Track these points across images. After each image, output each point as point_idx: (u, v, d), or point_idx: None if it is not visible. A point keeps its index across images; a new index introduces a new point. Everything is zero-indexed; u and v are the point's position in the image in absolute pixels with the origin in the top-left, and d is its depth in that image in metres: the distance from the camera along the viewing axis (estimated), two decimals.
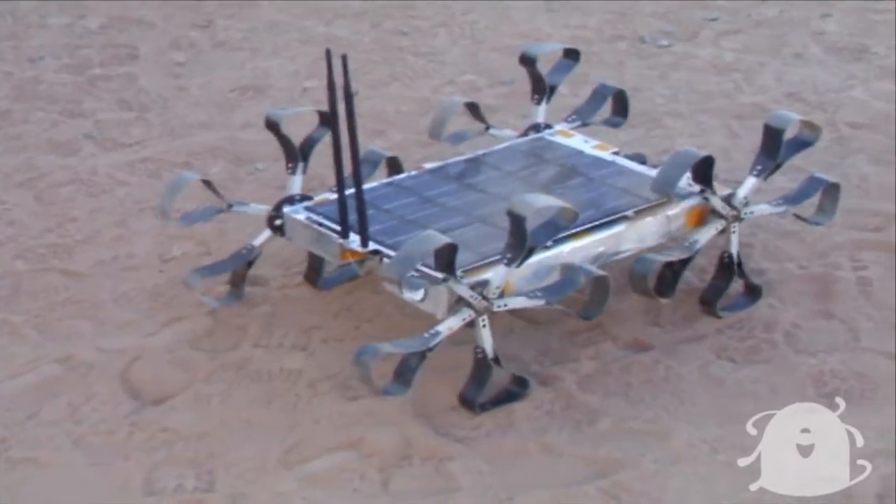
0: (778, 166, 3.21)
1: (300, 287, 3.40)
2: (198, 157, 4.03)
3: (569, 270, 2.94)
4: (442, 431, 2.90)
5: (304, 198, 3.24)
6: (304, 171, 3.31)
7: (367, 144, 3.86)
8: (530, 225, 2.78)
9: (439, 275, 2.80)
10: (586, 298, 2.98)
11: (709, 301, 3.25)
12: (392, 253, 2.94)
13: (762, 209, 3.26)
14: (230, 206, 3.27)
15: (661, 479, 2.74)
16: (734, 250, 3.23)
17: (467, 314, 2.88)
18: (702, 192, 3.13)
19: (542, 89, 3.58)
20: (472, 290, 2.85)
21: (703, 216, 3.20)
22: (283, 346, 3.18)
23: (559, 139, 3.52)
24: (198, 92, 4.46)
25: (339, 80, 3.02)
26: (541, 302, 2.92)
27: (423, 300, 2.87)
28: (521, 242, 2.80)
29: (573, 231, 3.00)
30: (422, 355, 2.88)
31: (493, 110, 4.28)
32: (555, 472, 2.79)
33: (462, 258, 2.84)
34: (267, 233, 3.28)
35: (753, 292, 3.28)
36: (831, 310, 3.26)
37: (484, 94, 4.42)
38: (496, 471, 2.79)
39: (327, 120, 3.11)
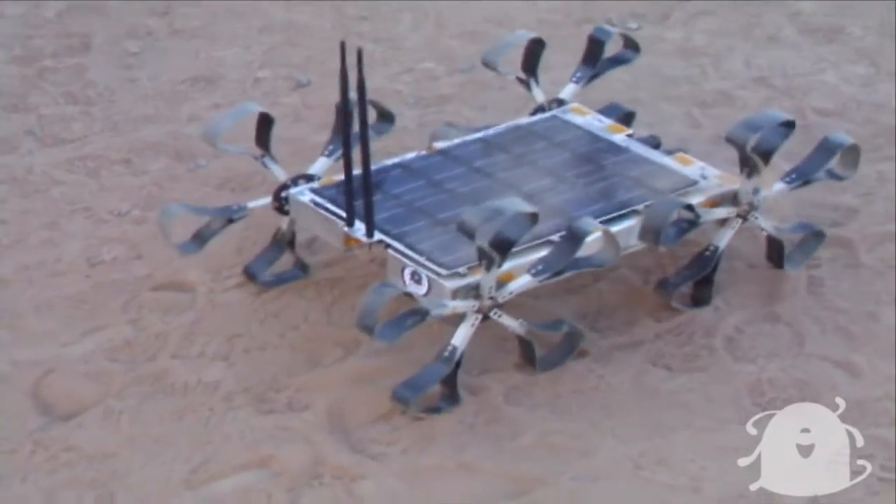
0: (808, 182, 3.19)
1: (228, 292, 3.30)
2: (139, 153, 3.95)
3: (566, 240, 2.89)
4: (357, 448, 2.82)
5: (308, 178, 3.23)
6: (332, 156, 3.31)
7: (315, 137, 3.79)
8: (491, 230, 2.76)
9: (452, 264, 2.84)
10: (552, 349, 3.00)
11: (668, 287, 3.17)
12: (397, 244, 2.94)
13: (764, 222, 3.23)
14: (263, 156, 3.29)
15: (578, 498, 2.66)
16: (722, 244, 3.17)
17: (475, 319, 2.87)
18: (694, 222, 3.07)
19: (589, 71, 3.61)
20: (465, 298, 2.85)
21: (719, 202, 3.16)
22: (204, 357, 3.10)
23: (573, 117, 3.47)
24: (147, 84, 4.38)
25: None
26: (521, 330, 2.94)
27: (426, 294, 2.87)
28: (563, 261, 2.85)
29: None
30: (453, 373, 2.87)
31: (447, 100, 4.19)
32: (470, 490, 2.71)
33: (466, 253, 2.84)
34: (265, 201, 3.25)
35: (812, 242, 3.30)
36: (777, 312, 3.17)
37: (441, 82, 4.32)
38: (410, 490, 2.71)
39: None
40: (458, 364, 2.87)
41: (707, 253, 3.16)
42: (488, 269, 2.80)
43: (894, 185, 3.53)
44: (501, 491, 2.69)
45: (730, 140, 3.09)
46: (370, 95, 3.12)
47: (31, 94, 4.35)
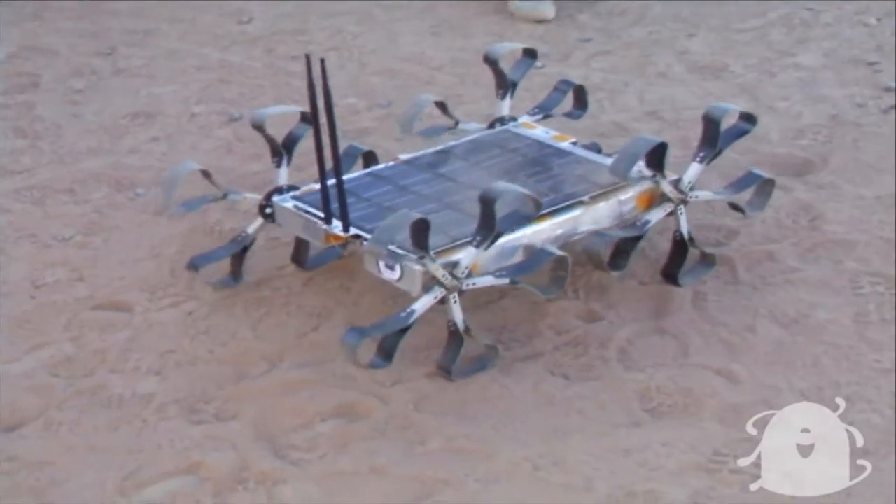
0: (718, 153, 3.26)
1: (162, 311, 3.26)
2: (82, 183, 3.90)
3: (532, 251, 3.02)
4: (280, 454, 2.78)
5: (291, 188, 3.29)
6: (289, 164, 3.35)
7: (245, 167, 3.76)
8: (499, 211, 2.84)
9: (414, 254, 2.85)
10: (548, 277, 3.00)
11: (671, 274, 3.28)
12: (370, 237, 2.97)
13: (705, 195, 3.28)
14: (226, 195, 3.31)
15: (481, 498, 2.63)
16: (684, 229, 3.23)
17: (439, 292, 2.90)
18: (653, 176, 3.16)
19: (505, 85, 3.65)
20: (443, 270, 2.87)
21: (653, 200, 3.23)
22: (139, 371, 3.06)
23: (522, 130, 3.58)
24: (91, 118, 4.33)
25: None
26: (506, 280, 2.96)
27: (399, 279, 2.91)
28: (490, 226, 2.88)
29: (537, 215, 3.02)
30: (401, 332, 2.90)
31: (368, 132, 4.17)
32: (381, 493, 2.68)
33: (434, 241, 2.87)
34: (259, 221, 3.29)
35: (707, 260, 3.31)
36: (665, 326, 3.16)
37: (362, 116, 4.30)
38: (325, 494, 2.68)
39: (306, 118, 3.22)
40: (467, 330, 2.94)
41: (677, 238, 3.28)
42: (479, 245, 2.89)
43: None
44: (410, 493, 2.66)
45: (612, 173, 3.14)
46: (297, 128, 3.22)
47: None
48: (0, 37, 5.09)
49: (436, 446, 2.78)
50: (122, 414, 2.91)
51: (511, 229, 2.99)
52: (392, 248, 2.89)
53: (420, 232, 2.83)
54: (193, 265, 3.31)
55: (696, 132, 3.89)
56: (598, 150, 3.54)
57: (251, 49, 4.91)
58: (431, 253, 2.88)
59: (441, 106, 3.64)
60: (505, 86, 3.67)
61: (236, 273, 3.35)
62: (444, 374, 2.97)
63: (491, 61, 3.65)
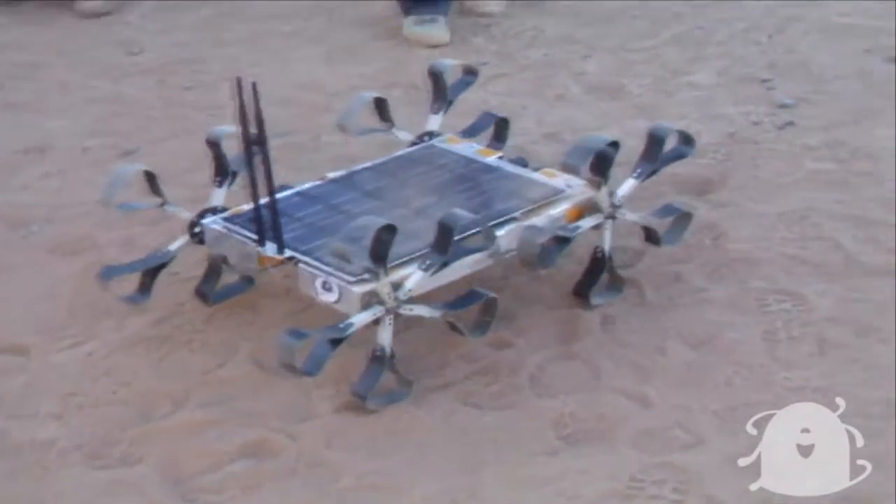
0: (654, 172, 3.26)
1: (61, 353, 3.15)
2: None
3: (467, 292, 2.99)
4: (188, 497, 2.70)
5: (223, 210, 3.21)
6: (230, 187, 3.27)
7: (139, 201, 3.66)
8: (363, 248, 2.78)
9: (351, 275, 2.83)
10: (476, 318, 2.98)
11: (582, 293, 3.23)
12: (306, 259, 2.95)
13: (632, 216, 3.25)
14: (163, 204, 3.23)
15: None
16: (606, 245, 3.20)
17: (379, 311, 2.84)
18: (598, 181, 3.13)
19: (442, 101, 3.62)
20: (370, 304, 2.82)
21: (582, 214, 3.20)
22: (38, 416, 2.94)
23: (448, 146, 3.55)
24: None
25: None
26: (438, 314, 2.91)
27: (337, 301, 2.85)
28: (443, 253, 2.85)
29: (467, 234, 2.98)
30: (334, 343, 2.82)
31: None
32: None
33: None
34: (183, 239, 3.20)
35: (617, 283, 3.28)
36: (575, 350, 3.11)
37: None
38: None
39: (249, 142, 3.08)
40: (392, 356, 2.89)
41: (598, 255, 3.24)
42: (378, 279, 2.82)
43: None
44: None
45: (564, 168, 3.16)
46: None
47: None
48: None
49: (348, 484, 2.71)
50: (20, 462, 2.80)
51: (459, 258, 2.96)
52: (329, 269, 2.89)
53: (383, 241, 2.79)
54: (103, 276, 3.19)
55: None
56: (525, 165, 3.50)
57: (144, 80, 4.80)
58: (386, 267, 2.85)
59: (379, 104, 3.61)
60: (441, 101, 3.65)
61: (145, 289, 3.25)
62: (359, 400, 2.89)
63: (435, 74, 3.64)
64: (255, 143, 3.04)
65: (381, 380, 2.92)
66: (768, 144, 4.07)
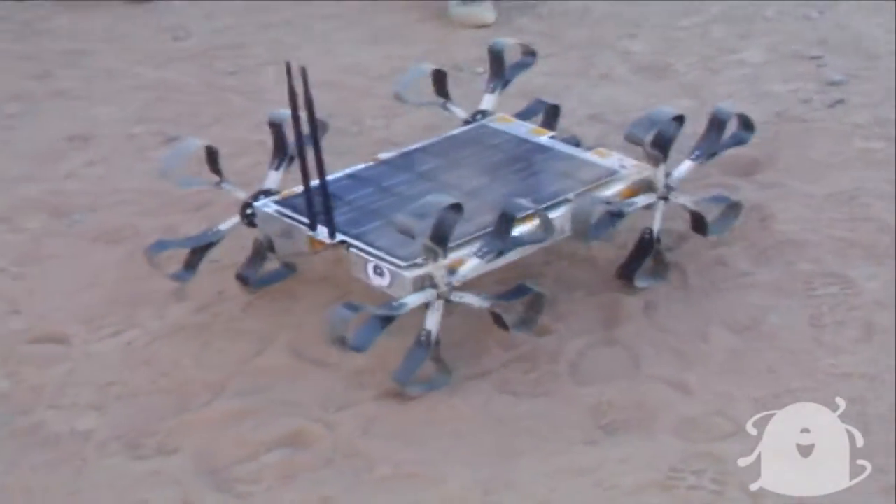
0: (713, 155, 3.22)
1: (101, 342, 3.14)
2: (18, 210, 3.77)
3: (514, 285, 2.96)
4: (224, 488, 2.67)
5: (276, 192, 3.21)
6: (286, 169, 3.28)
7: (178, 192, 3.65)
8: (427, 225, 2.77)
9: (403, 260, 2.82)
10: (521, 312, 2.95)
11: (627, 275, 3.19)
12: (358, 243, 2.93)
13: (684, 199, 3.21)
14: (220, 182, 3.24)
15: None
16: (656, 227, 3.15)
17: (431, 294, 2.82)
18: (655, 155, 3.08)
19: (499, 81, 3.61)
20: (423, 287, 2.81)
21: (635, 195, 3.16)
22: (77, 406, 2.94)
23: (500, 125, 3.52)
24: (26, 144, 4.20)
25: None
26: (487, 304, 2.89)
27: (389, 285, 2.84)
28: (502, 241, 2.83)
29: (522, 215, 2.94)
30: (385, 321, 2.81)
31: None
32: None
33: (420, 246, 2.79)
34: (234, 220, 3.21)
35: (662, 267, 3.25)
36: (615, 336, 3.07)
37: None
38: None
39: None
40: (437, 343, 2.86)
41: (646, 236, 3.19)
42: (435, 260, 2.79)
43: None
44: None
45: (628, 140, 3.10)
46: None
47: None
48: None
49: (384, 473, 2.68)
50: (60, 453, 2.79)
51: (515, 248, 2.93)
52: (381, 253, 2.88)
53: (448, 221, 2.78)
54: (152, 250, 3.20)
55: None
56: (577, 144, 3.46)
57: (188, 66, 4.79)
58: (421, 259, 2.84)
59: (438, 77, 3.59)
60: (498, 80, 3.62)
61: (191, 267, 3.26)
62: (399, 386, 2.87)
63: (494, 53, 3.61)
64: (308, 127, 3.02)
65: (421, 366, 2.87)
66: (817, 123, 4.00)
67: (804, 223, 3.44)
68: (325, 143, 3.57)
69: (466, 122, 3.60)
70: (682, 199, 3.23)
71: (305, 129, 3.05)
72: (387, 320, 2.82)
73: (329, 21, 5.13)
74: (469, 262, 2.90)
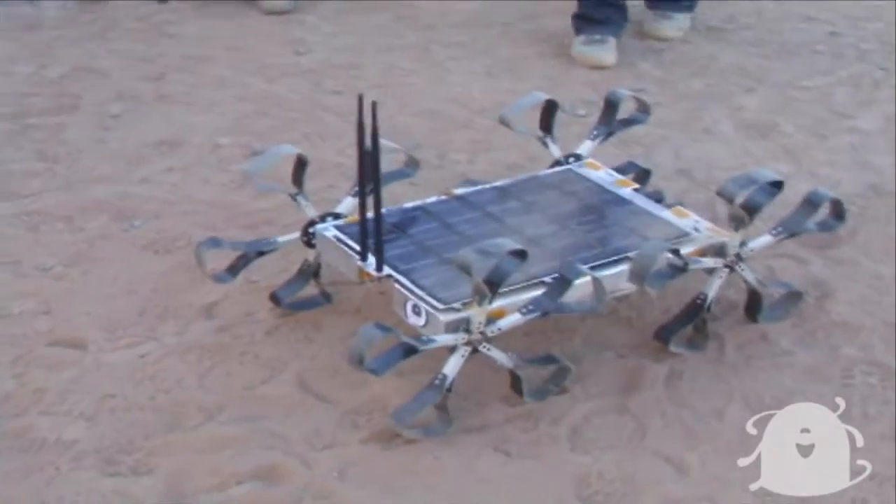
0: (794, 235, 3.20)
1: (116, 352, 3.13)
2: (83, 210, 3.80)
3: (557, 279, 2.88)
4: None
5: (331, 216, 3.23)
6: (307, 199, 3.28)
7: (253, 203, 3.62)
8: (487, 266, 2.72)
9: (441, 303, 2.81)
10: (541, 379, 2.92)
11: (665, 337, 3.10)
12: (402, 279, 2.92)
13: (749, 274, 3.13)
14: (297, 195, 3.25)
15: None
16: (711, 294, 3.07)
17: (461, 338, 2.80)
18: (683, 268, 2.97)
19: (604, 129, 3.57)
20: (456, 331, 2.79)
21: (706, 251, 3.09)
22: (70, 415, 2.92)
23: (585, 171, 3.47)
24: (116, 145, 4.23)
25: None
26: (510, 365, 2.86)
27: (424, 325, 2.82)
28: (552, 304, 2.79)
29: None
30: (409, 350, 2.76)
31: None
32: None
33: (463, 290, 2.79)
34: (294, 236, 3.22)
35: (794, 297, 3.23)
36: (628, 404, 2.94)
37: (385, 157, 4.09)
38: None
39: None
40: (448, 390, 2.80)
41: (698, 301, 3.08)
42: (480, 303, 2.74)
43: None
44: None
45: (720, 194, 3.00)
46: (310, 169, 3.23)
47: (5, 149, 4.21)
48: (57, 56, 5.00)
49: None
50: (37, 461, 2.78)
51: (506, 278, 2.81)
52: (421, 293, 2.85)
53: (507, 266, 2.73)
54: (202, 246, 3.17)
55: None
56: (660, 200, 3.36)
57: (299, 81, 4.78)
58: (458, 304, 2.82)
59: (548, 108, 3.54)
60: (604, 129, 3.58)
61: (234, 270, 3.24)
62: (395, 422, 2.82)
63: (610, 103, 3.57)
64: (369, 159, 3.00)
65: (424, 410, 2.81)
66: None
67: (863, 305, 3.26)
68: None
69: (556, 163, 3.54)
70: (748, 273, 3.11)
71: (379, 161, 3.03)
72: (410, 351, 2.75)
73: (450, 49, 5.07)
74: (510, 315, 2.83)
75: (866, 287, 3.33)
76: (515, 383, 2.89)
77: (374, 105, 2.92)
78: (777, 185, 3.03)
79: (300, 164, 3.27)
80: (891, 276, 3.38)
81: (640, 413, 2.89)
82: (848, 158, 4.06)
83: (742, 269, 3.10)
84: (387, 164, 3.24)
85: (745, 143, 4.20)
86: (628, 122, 3.64)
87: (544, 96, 3.57)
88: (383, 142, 3.24)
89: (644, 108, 3.63)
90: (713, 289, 3.08)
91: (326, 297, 3.30)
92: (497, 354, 2.85)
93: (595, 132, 3.60)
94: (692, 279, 3.08)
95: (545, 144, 3.58)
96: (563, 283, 2.84)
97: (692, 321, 3.10)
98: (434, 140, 4.26)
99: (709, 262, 3.07)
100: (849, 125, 4.31)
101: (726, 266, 3.09)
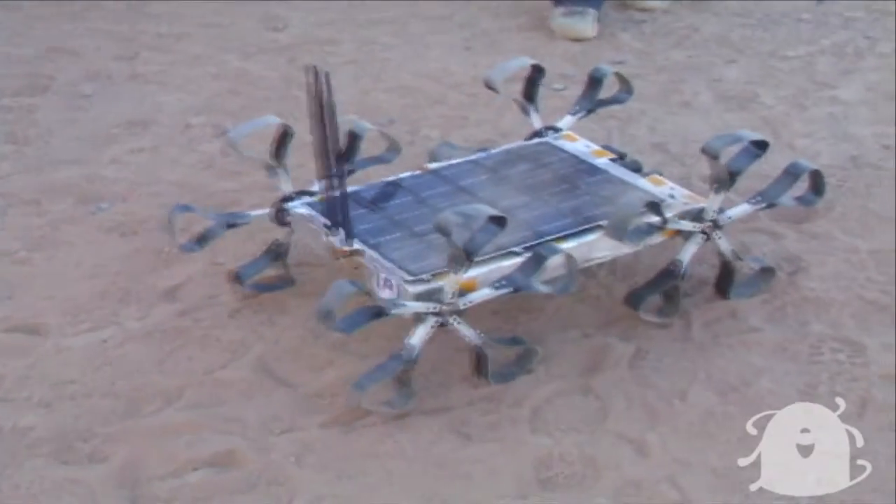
0: (773, 205, 3.15)
1: (77, 337, 3.12)
2: (50, 193, 3.79)
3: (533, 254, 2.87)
4: (140, 503, 2.60)
5: (304, 193, 3.21)
6: (288, 173, 3.27)
7: (219, 184, 3.60)
8: (466, 234, 2.72)
9: (416, 272, 2.82)
10: (507, 362, 2.90)
11: (635, 302, 3.11)
12: (372, 252, 2.92)
13: (724, 244, 3.11)
14: (275, 167, 3.24)
15: None
16: (686, 260, 3.06)
17: (433, 321, 2.78)
18: (662, 226, 3.00)
19: (585, 105, 3.57)
20: (428, 300, 2.77)
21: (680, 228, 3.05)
22: (29, 401, 2.91)
23: (562, 143, 3.45)
24: (86, 126, 4.21)
25: None
26: (509, 289, 2.83)
27: (395, 298, 2.80)
28: (524, 282, 2.77)
29: (546, 239, 2.92)
30: (378, 313, 2.75)
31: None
32: None
33: (432, 262, 2.80)
34: (266, 211, 3.21)
35: (766, 273, 3.20)
36: (592, 385, 2.92)
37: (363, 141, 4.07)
38: None
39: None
40: (413, 361, 2.78)
41: (672, 268, 3.06)
42: (456, 271, 2.72)
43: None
44: None
45: (704, 151, 3.00)
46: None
47: None
48: (33, 35, 4.98)
49: None
50: None
51: (483, 247, 2.81)
52: (391, 266, 2.85)
53: (488, 234, 2.74)
54: (238, 277, 3.22)
55: (698, 169, 3.65)
56: (638, 169, 3.34)
57: (274, 58, 4.76)
58: (428, 275, 2.81)
59: (533, 75, 3.53)
60: (584, 105, 3.57)
61: (203, 240, 3.22)
62: (354, 392, 2.80)
63: (594, 79, 3.55)
64: (322, 132, 2.98)
65: (384, 381, 2.81)
66: (891, 172, 3.76)
67: (836, 280, 3.23)
68: (374, 149, 3.48)
69: (535, 134, 3.51)
70: (723, 243, 3.09)
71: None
72: (379, 314, 2.74)
73: (431, 22, 5.05)
74: (482, 289, 2.83)
75: (841, 262, 3.31)
76: (480, 363, 2.87)
77: (326, 75, 2.90)
78: (761, 146, 3.03)
79: (283, 136, 3.25)
80: (866, 250, 3.34)
81: (603, 393, 2.87)
82: (827, 130, 4.03)
83: (718, 238, 3.09)
84: (367, 145, 3.23)
85: (723, 115, 4.17)
86: (610, 101, 3.62)
87: (530, 61, 3.55)
88: (362, 123, 3.28)
89: (627, 88, 3.60)
90: (688, 255, 3.06)
91: (288, 280, 3.28)
92: (465, 330, 2.83)
93: (577, 107, 3.58)
94: (667, 253, 3.05)
95: (526, 113, 3.55)
96: (537, 260, 2.83)
97: (664, 287, 3.07)
98: (407, 116, 4.23)
99: (687, 224, 3.06)
100: (830, 95, 4.28)
101: (702, 232, 3.06)
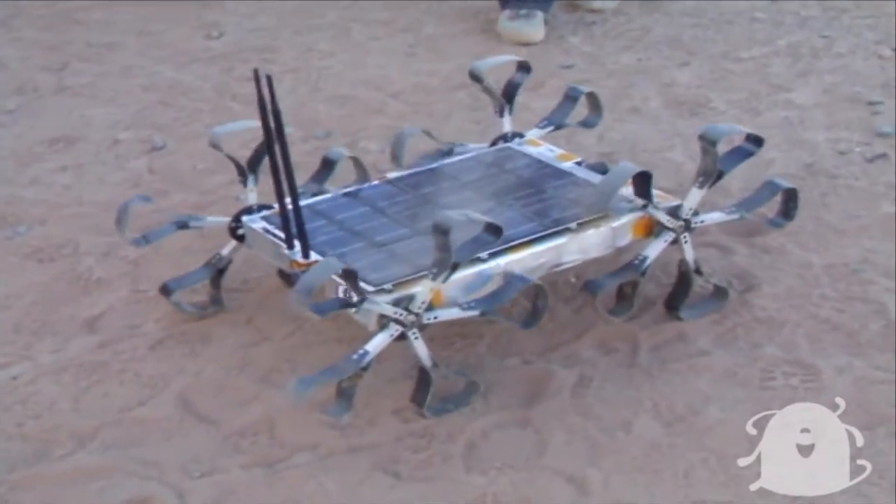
0: (720, 175, 2.99)
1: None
2: None
3: (505, 280, 2.79)
4: None
5: (263, 207, 3.09)
6: (256, 184, 3.15)
7: (137, 208, 3.46)
8: (457, 240, 2.62)
9: (376, 282, 2.72)
10: (527, 308, 2.79)
11: (673, 306, 3.03)
12: None
13: (714, 217, 3.03)
14: (247, 179, 3.15)
15: None
16: (689, 257, 2.98)
17: (394, 329, 2.68)
18: (644, 206, 2.93)
19: (499, 102, 3.45)
20: (396, 306, 2.66)
21: (651, 227, 2.98)
22: None
23: (525, 148, 3.37)
24: (7, 144, 4.06)
25: None
26: (475, 312, 2.74)
27: (356, 312, 2.68)
28: (446, 257, 2.62)
29: (512, 244, 2.83)
30: (357, 375, 2.67)
31: (296, 167, 3.81)
32: None
33: (394, 271, 2.72)
34: (232, 243, 3.10)
35: (720, 293, 3.08)
36: (531, 416, 2.78)
37: (295, 148, 3.92)
38: None
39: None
40: (364, 369, 2.68)
41: (635, 262, 2.97)
42: (434, 277, 2.64)
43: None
44: None
45: (702, 138, 2.93)
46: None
47: None
48: None
49: None
50: None
51: (476, 258, 2.77)
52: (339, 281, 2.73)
53: (482, 242, 2.68)
54: (168, 289, 3.13)
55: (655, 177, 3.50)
56: (604, 171, 3.21)
57: (209, 68, 4.61)
58: (389, 285, 2.72)
59: (518, 72, 3.46)
60: (498, 102, 3.45)
61: (217, 300, 3.19)
62: (417, 411, 2.74)
63: (475, 77, 3.42)
64: (269, 138, 2.87)
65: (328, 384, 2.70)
66: (847, 180, 3.64)
67: (790, 298, 3.11)
68: (312, 162, 3.35)
69: (499, 139, 3.44)
70: (688, 249, 3.02)
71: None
72: (349, 304, 2.67)
73: (372, 27, 4.91)
74: (449, 308, 2.76)
75: (794, 278, 3.18)
76: (420, 391, 2.74)
77: (269, 79, 2.80)
78: (757, 142, 3.03)
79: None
80: (820, 265, 3.22)
81: (542, 426, 2.74)
82: (781, 135, 3.91)
83: (685, 241, 3.00)
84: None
85: (674, 121, 4.04)
86: (580, 124, 3.53)
87: (517, 58, 3.48)
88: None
89: (598, 112, 3.51)
90: (654, 252, 2.97)
91: (220, 302, 3.15)
92: (421, 348, 2.73)
93: (545, 122, 3.49)
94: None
95: (501, 114, 3.46)
96: (440, 232, 2.67)
97: (624, 278, 2.99)
98: (345, 128, 4.11)
99: (663, 216, 2.97)
100: (785, 98, 4.16)
101: (672, 230, 2.98)
